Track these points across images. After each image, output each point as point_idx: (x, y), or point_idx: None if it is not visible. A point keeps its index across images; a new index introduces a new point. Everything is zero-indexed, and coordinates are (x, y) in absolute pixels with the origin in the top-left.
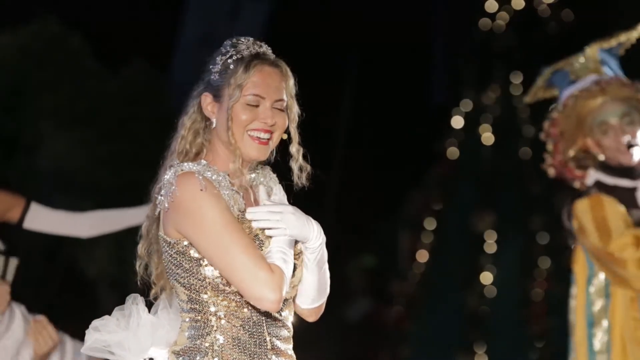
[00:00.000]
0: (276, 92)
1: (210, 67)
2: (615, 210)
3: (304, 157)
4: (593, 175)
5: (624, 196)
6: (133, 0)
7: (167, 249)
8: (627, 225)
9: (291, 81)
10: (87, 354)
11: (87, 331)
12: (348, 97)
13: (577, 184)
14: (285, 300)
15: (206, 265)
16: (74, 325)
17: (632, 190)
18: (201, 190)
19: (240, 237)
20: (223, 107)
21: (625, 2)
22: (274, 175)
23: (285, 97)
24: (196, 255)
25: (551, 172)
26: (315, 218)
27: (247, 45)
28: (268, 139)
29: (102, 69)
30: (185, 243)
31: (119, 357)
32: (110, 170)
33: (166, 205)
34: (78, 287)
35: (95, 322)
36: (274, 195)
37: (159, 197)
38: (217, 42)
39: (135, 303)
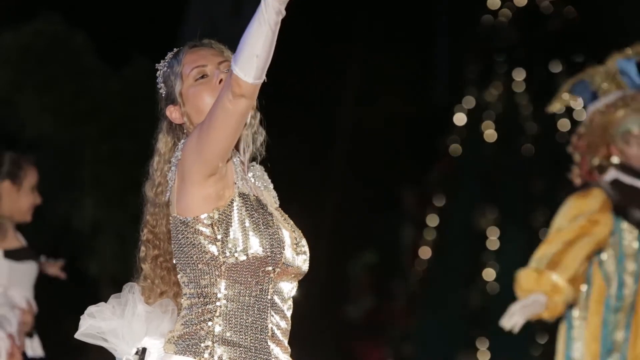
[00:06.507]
0: (215, 57)
1: (158, 88)
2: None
3: (260, 122)
4: (612, 174)
5: (637, 196)
6: None
7: (182, 229)
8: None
9: (227, 51)
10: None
11: (82, 317)
12: (351, 94)
13: None
14: (286, 301)
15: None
16: (75, 322)
17: None
18: None
19: None
20: (184, 103)
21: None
22: (265, 173)
23: (228, 58)
24: (214, 233)
25: (578, 181)
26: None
27: (171, 53)
28: None
29: (104, 67)
30: (204, 216)
31: (112, 344)
32: (112, 168)
33: (175, 178)
34: (80, 283)
35: (91, 309)
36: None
37: (170, 175)
38: (219, 40)
39: (131, 292)
